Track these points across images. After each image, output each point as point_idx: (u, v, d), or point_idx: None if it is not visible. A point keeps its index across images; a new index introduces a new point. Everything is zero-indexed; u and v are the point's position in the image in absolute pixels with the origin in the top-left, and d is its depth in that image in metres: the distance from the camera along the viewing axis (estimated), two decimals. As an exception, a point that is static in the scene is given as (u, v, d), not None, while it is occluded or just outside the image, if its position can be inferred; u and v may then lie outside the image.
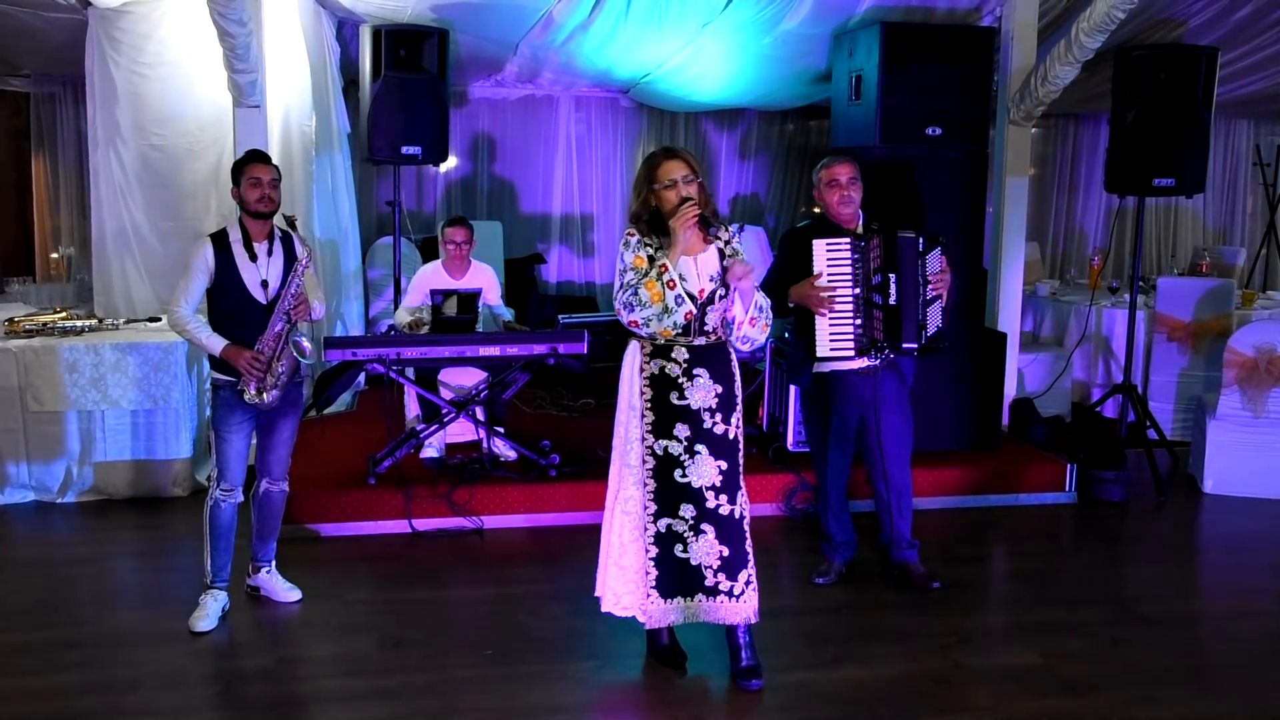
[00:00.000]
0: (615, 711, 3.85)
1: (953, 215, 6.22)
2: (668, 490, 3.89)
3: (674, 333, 3.84)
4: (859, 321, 4.57)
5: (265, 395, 4.34)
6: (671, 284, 3.76)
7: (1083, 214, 10.54)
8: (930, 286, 4.58)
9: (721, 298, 3.90)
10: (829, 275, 4.58)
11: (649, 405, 3.89)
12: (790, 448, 6.07)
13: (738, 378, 3.98)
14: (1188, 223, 10.73)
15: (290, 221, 4.42)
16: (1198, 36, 7.16)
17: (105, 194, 6.67)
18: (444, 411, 5.87)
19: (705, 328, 3.88)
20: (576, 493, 5.71)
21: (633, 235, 3.89)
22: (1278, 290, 9.62)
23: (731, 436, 3.93)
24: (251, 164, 4.37)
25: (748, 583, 3.94)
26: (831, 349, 4.60)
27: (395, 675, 4.05)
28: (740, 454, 3.97)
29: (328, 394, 6.01)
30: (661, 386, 3.88)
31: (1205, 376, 7.36)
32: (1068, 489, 6.23)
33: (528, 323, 8.57)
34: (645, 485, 3.91)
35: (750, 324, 3.91)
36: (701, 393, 3.88)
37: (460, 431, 6.14)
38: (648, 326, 3.81)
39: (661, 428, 3.88)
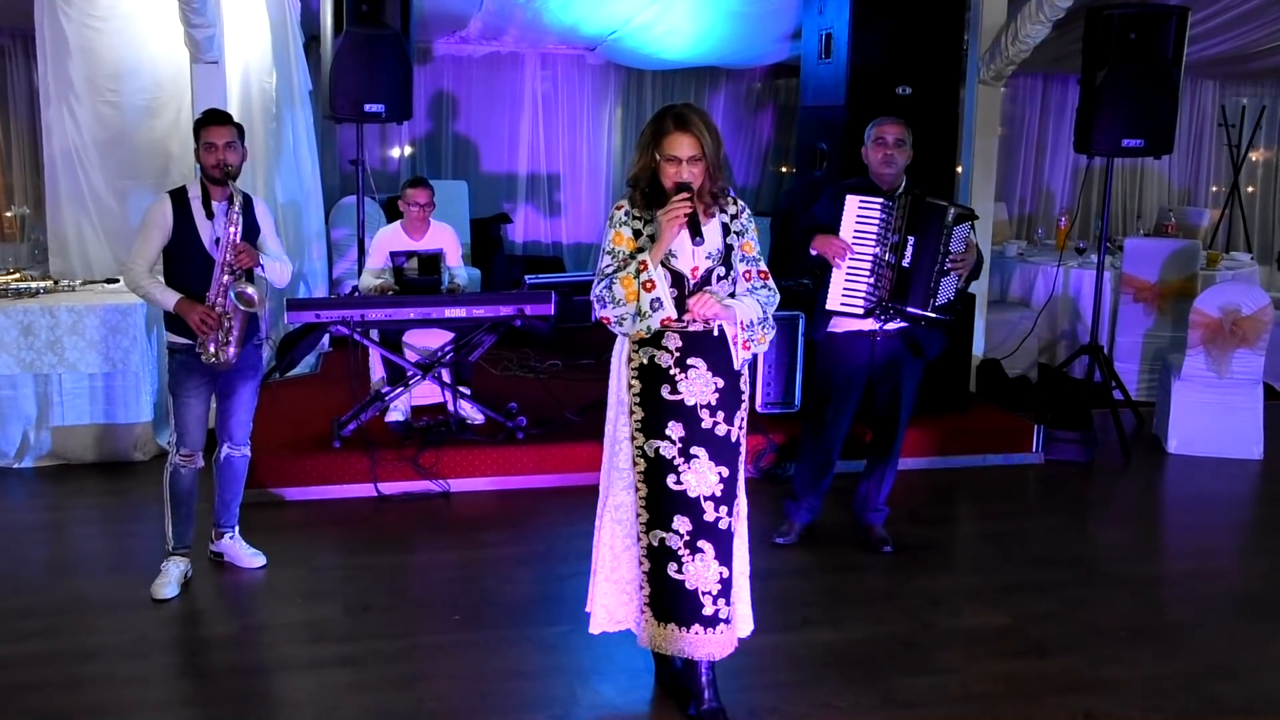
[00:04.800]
0: (583, 676, 3.82)
1: (922, 175, 6.15)
2: (659, 498, 3.43)
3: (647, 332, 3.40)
4: (872, 281, 4.56)
5: (222, 354, 4.24)
6: (649, 285, 3.31)
7: (1050, 174, 10.55)
8: (949, 258, 4.54)
9: (720, 278, 3.43)
10: (855, 231, 4.58)
11: (637, 400, 3.44)
12: (759, 409, 6.05)
13: (743, 371, 3.52)
14: (1153, 184, 10.79)
15: (227, 174, 4.23)
16: (1167, -4, 7.13)
17: (59, 152, 6.50)
18: (409, 374, 5.80)
19: None
20: (544, 455, 5.68)
21: (620, 207, 3.44)
22: (1241, 251, 9.69)
23: (734, 439, 3.48)
24: (207, 126, 4.23)
25: (731, 604, 3.53)
26: (841, 304, 4.60)
27: (362, 641, 4.02)
28: (741, 458, 3.53)
29: (291, 356, 5.91)
30: (651, 379, 3.42)
31: (1171, 337, 7.41)
32: (1034, 450, 6.26)
33: (493, 283, 8.50)
34: (635, 490, 3.47)
35: (744, 347, 3.43)
36: (698, 386, 3.41)
37: (426, 394, 6.08)
38: (620, 326, 3.39)
39: (651, 426, 3.42)
